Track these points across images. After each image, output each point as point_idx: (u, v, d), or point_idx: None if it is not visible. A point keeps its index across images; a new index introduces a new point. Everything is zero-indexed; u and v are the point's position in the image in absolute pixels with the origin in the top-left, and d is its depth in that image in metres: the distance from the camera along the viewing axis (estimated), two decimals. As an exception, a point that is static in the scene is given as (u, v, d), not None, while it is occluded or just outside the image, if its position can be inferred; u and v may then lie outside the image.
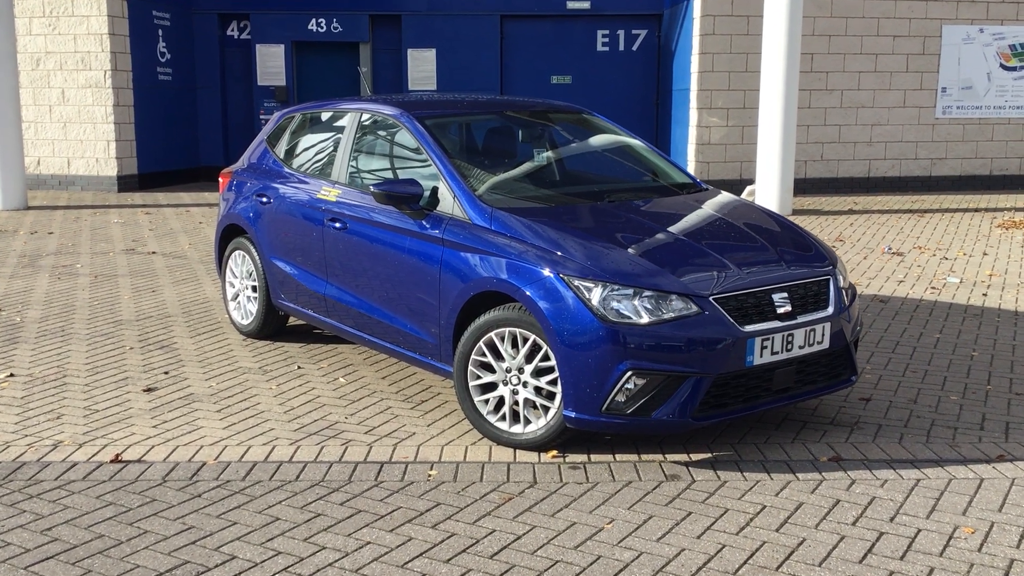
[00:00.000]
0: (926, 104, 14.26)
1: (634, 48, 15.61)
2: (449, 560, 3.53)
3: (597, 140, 6.13)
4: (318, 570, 3.46)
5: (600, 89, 15.53)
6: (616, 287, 4.24)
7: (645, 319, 4.19)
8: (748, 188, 12.43)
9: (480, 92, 14.37)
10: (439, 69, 15.64)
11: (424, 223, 4.98)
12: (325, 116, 6.38)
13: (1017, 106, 14.35)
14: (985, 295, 7.73)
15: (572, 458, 4.44)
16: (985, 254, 9.47)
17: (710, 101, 13.79)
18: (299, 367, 5.90)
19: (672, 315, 4.21)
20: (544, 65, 15.67)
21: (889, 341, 6.41)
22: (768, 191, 11.56)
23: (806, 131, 13.93)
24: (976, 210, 12.50)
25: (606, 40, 15.65)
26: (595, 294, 4.23)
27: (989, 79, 14.26)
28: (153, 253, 9.77)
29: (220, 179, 7.03)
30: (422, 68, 15.69)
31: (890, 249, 9.77)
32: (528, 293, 4.36)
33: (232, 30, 16.18)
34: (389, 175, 5.64)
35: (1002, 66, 14.26)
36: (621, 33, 15.61)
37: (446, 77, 15.62)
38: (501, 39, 15.55)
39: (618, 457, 4.46)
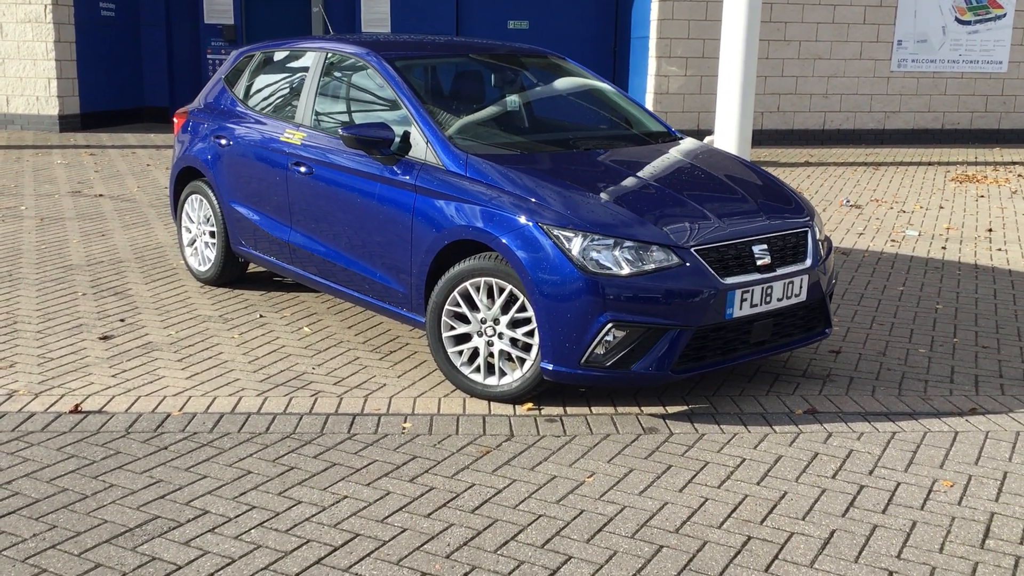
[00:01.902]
0: (882, 56, 14.28)
1: (592, -6, 15.37)
2: (430, 515, 3.45)
3: (571, 85, 5.99)
4: (295, 524, 3.36)
5: (557, 35, 15.26)
6: (596, 237, 4.15)
7: (626, 270, 4.11)
8: (707, 139, 12.35)
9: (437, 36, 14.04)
10: (393, 11, 15.23)
11: (395, 169, 4.82)
12: (287, 55, 6.15)
13: (970, 60, 14.44)
14: (944, 248, 7.79)
15: (548, 411, 4.38)
16: (941, 207, 9.55)
17: (669, 50, 13.65)
18: (261, 315, 5.74)
19: (653, 266, 4.14)
20: (501, 9, 15.35)
21: (854, 293, 6.42)
22: (726, 142, 11.47)
23: (763, 82, 13.87)
24: (929, 164, 12.60)
25: (564, -15, 15.38)
26: (575, 244, 4.13)
27: (944, 33, 14.30)
28: (100, 196, 9.44)
29: (175, 120, 6.76)
30: (376, 10, 15.28)
31: (848, 201, 9.80)
32: (505, 242, 4.25)
33: (178, -35, 15.59)
34: (356, 118, 5.45)
35: (957, 20, 14.30)
36: (579, -22, 15.34)
37: (400, 20, 15.23)
38: (457, -19, 15.20)
39: (594, 410, 4.40)
